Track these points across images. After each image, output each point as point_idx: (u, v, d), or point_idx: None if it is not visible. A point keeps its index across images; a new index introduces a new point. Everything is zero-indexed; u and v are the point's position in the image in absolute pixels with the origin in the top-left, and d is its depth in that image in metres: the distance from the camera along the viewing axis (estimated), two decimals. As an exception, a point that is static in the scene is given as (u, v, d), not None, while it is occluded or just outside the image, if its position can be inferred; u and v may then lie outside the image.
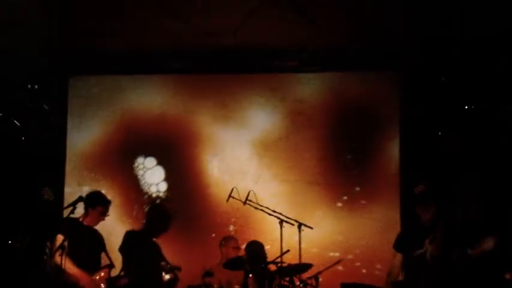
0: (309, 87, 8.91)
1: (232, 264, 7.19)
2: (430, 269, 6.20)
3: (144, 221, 7.35)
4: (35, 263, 7.89)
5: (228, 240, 7.98)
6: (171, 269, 6.97)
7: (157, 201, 8.82)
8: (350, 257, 8.45)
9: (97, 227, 7.13)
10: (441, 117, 8.36)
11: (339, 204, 8.69)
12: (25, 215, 8.49)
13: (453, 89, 8.30)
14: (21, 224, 8.44)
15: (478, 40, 7.73)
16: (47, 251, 6.96)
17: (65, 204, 8.25)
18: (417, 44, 8.10)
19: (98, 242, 7.07)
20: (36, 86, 8.94)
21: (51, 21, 7.64)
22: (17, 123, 8.91)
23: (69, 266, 6.60)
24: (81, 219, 6.95)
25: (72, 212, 6.63)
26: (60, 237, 6.65)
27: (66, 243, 6.47)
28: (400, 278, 6.57)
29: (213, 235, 8.58)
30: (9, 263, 8.13)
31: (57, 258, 6.46)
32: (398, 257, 6.52)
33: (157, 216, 7.30)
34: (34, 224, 8.37)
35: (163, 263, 7.00)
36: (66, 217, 6.66)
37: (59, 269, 6.47)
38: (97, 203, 7.02)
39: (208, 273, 7.28)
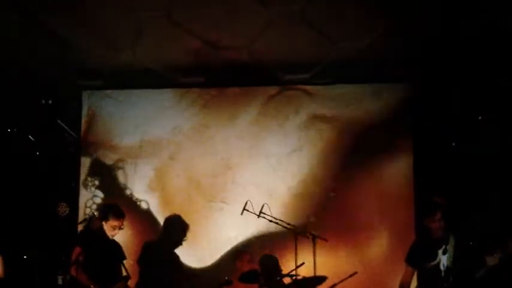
0: (322, 100, 8.92)
1: (246, 277, 7.19)
2: (443, 279, 6.19)
3: (161, 232, 7.39)
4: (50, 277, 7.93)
5: (241, 254, 7.99)
6: (188, 277, 7.02)
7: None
8: (364, 269, 8.42)
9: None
10: (455, 128, 8.36)
11: (354, 216, 8.68)
12: (40, 230, 8.54)
13: (466, 99, 8.29)
14: (36, 240, 8.50)
15: (491, 48, 7.72)
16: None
17: (80, 219, 8.42)
18: (429, 55, 8.11)
19: (116, 253, 7.08)
20: (50, 101, 9.01)
21: (65, 36, 7.73)
22: (31, 139, 8.98)
23: (85, 280, 6.64)
24: (98, 231, 6.98)
25: (87, 226, 6.67)
26: (76, 250, 6.68)
27: (81, 257, 6.51)
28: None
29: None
30: (24, 277, 8.16)
31: (73, 272, 6.49)
32: (410, 269, 6.51)
33: (173, 227, 7.34)
34: (49, 239, 8.42)
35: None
36: (82, 230, 6.70)
37: (75, 283, 6.51)
38: (110, 216, 7.04)
39: (227, 282, 7.30)
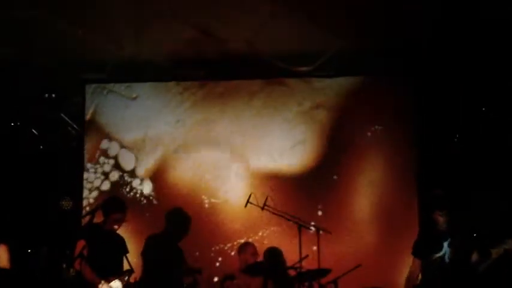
0: (325, 92, 8.93)
1: (251, 270, 7.19)
2: (449, 271, 6.19)
3: (165, 226, 7.39)
4: (54, 272, 7.95)
5: (246, 246, 7.98)
6: (190, 272, 7.00)
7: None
8: (369, 262, 8.41)
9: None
10: (458, 120, 8.34)
11: (357, 208, 8.68)
12: (44, 224, 8.55)
13: (470, 91, 8.28)
14: (40, 234, 8.52)
15: (494, 40, 7.71)
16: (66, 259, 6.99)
17: (83, 213, 8.43)
18: (432, 46, 8.09)
19: (119, 247, 7.07)
20: (53, 95, 9.01)
21: (67, 30, 7.73)
22: (35, 133, 8.99)
23: (89, 273, 6.63)
24: (101, 225, 6.96)
25: (91, 220, 6.66)
26: (80, 244, 6.67)
27: (85, 251, 6.51)
28: (419, 281, 6.57)
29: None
30: (28, 273, 8.18)
31: (77, 266, 6.49)
32: (417, 261, 6.52)
33: (177, 220, 7.33)
34: (53, 233, 8.43)
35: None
36: (86, 223, 6.69)
37: (79, 277, 6.51)
38: (112, 210, 7.01)
39: (228, 277, 7.30)
